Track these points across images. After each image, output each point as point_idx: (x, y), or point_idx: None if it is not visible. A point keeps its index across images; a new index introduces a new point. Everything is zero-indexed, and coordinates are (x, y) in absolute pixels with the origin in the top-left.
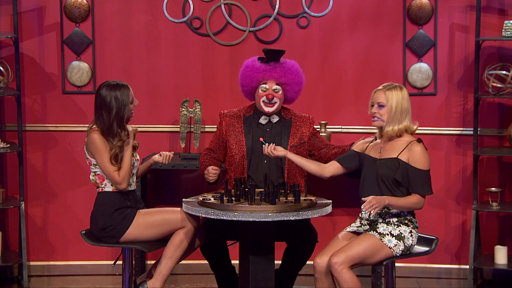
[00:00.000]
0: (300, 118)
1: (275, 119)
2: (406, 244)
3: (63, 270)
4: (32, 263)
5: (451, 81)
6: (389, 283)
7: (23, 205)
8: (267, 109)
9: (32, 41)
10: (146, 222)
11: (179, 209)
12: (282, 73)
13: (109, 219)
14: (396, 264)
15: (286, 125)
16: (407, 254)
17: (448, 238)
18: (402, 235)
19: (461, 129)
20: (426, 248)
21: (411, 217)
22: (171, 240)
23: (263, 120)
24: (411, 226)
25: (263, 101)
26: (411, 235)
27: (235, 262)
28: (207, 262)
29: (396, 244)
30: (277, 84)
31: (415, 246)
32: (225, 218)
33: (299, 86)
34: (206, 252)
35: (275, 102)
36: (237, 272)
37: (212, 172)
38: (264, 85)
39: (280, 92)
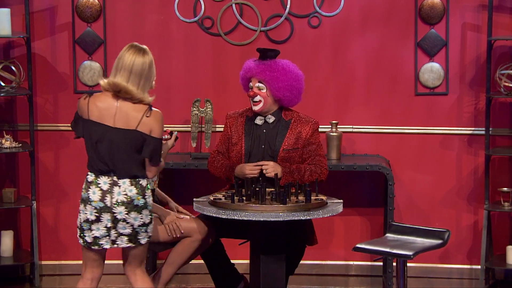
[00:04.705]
0: (301, 120)
1: (271, 119)
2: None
3: (75, 269)
4: (43, 262)
5: (463, 80)
6: (401, 283)
7: (35, 204)
8: (254, 108)
9: (44, 41)
10: (155, 224)
11: (190, 218)
12: (261, 69)
13: None
14: (408, 264)
15: (283, 127)
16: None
17: (460, 238)
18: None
19: (473, 129)
20: (439, 241)
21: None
22: (176, 247)
23: (258, 121)
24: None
25: (250, 100)
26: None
27: (245, 262)
28: None
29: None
30: (259, 82)
31: (428, 240)
32: (236, 217)
33: (282, 83)
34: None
35: (259, 101)
36: (244, 271)
37: (249, 168)
38: (250, 83)
39: (265, 90)
